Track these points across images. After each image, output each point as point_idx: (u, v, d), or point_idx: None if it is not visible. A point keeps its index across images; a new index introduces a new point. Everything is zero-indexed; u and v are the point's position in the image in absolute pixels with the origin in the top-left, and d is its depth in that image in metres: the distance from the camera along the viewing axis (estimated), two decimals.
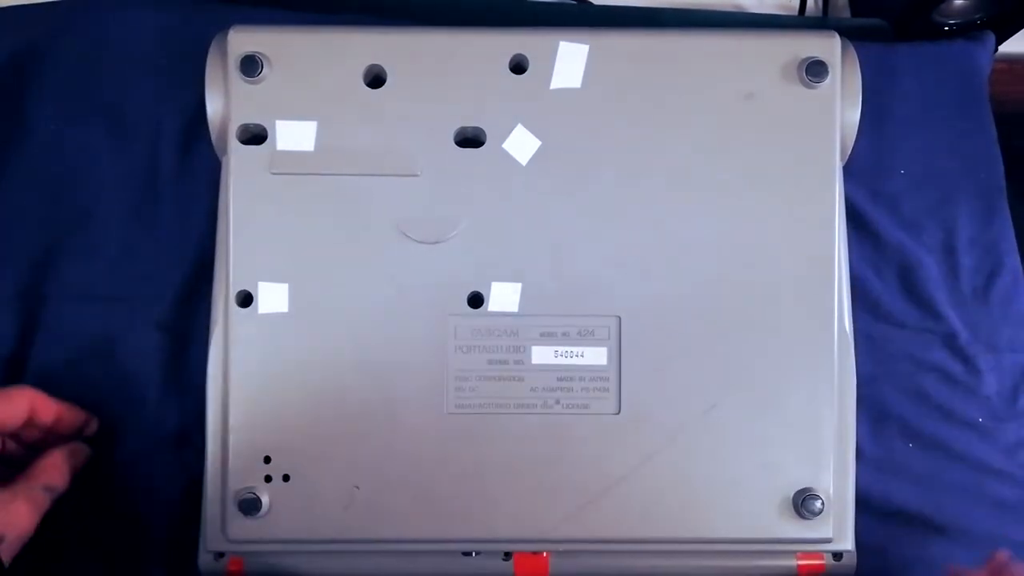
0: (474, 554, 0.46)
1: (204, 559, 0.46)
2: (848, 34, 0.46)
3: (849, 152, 0.47)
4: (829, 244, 0.44)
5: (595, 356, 0.45)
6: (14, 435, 0.44)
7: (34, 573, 0.46)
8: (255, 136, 0.45)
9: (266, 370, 0.44)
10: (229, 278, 0.44)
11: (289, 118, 0.44)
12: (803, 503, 0.43)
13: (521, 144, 0.44)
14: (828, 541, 0.45)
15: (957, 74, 0.56)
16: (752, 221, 0.45)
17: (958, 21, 0.59)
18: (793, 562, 0.47)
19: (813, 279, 0.44)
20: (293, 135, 0.44)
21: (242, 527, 0.44)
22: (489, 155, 0.44)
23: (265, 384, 0.44)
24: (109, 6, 0.54)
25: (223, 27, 0.45)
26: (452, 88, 0.44)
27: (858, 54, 0.46)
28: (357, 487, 0.43)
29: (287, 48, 0.44)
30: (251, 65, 0.43)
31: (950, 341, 0.53)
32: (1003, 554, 0.28)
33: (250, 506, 0.43)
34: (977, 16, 0.58)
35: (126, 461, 0.50)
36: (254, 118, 0.44)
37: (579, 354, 0.45)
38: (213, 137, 0.46)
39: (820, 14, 0.64)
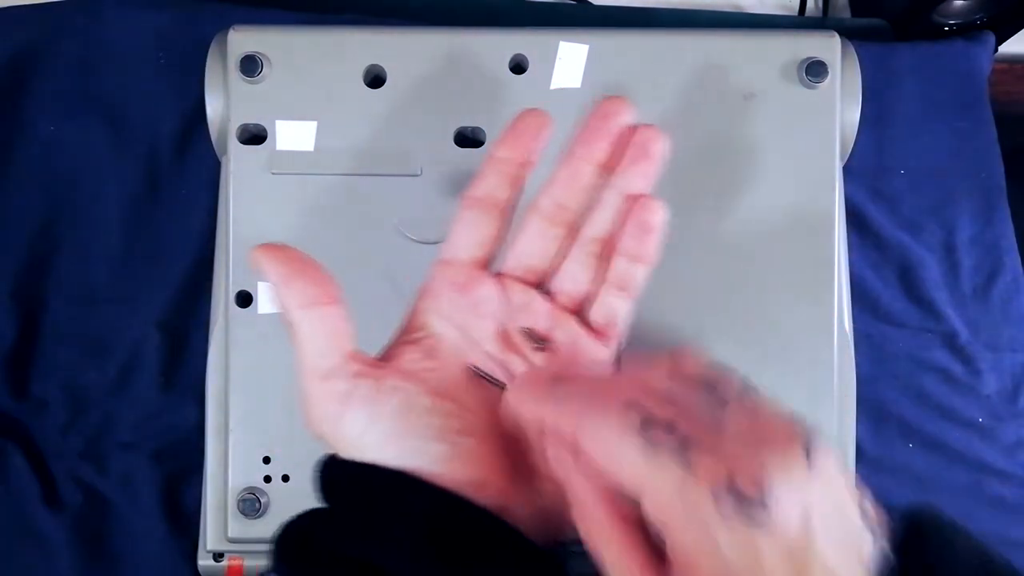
0: None
1: (204, 559, 0.46)
2: (848, 34, 0.46)
3: (849, 152, 0.47)
4: (829, 244, 0.44)
5: None
6: None
7: None
8: (255, 136, 0.45)
9: (266, 370, 0.44)
10: (228, 278, 0.44)
11: (289, 118, 0.44)
12: None
13: None
14: None
15: (957, 74, 0.56)
16: (752, 221, 0.45)
17: (958, 21, 0.59)
18: None
19: (813, 279, 0.44)
20: (293, 135, 0.44)
21: (242, 527, 0.44)
22: None
23: (265, 384, 0.44)
24: (109, 6, 0.54)
25: (223, 27, 0.45)
26: (452, 88, 0.44)
27: (858, 54, 0.46)
28: None
29: (287, 48, 0.44)
30: (251, 65, 0.43)
31: (950, 341, 0.53)
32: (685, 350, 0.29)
33: (250, 506, 0.43)
34: (977, 16, 0.58)
35: (126, 462, 0.50)
36: (254, 118, 0.44)
37: None
38: (213, 137, 0.46)
39: (820, 14, 0.64)
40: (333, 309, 0.28)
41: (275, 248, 0.29)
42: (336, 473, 0.28)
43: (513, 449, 0.29)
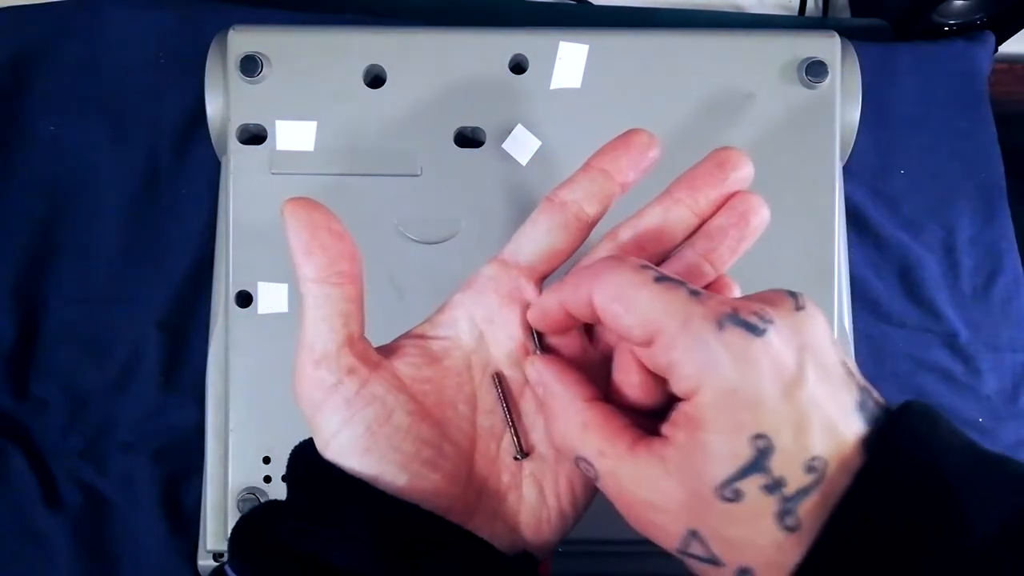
0: None
1: (204, 559, 0.46)
2: (848, 34, 0.46)
3: (849, 152, 0.47)
4: (829, 244, 0.44)
5: None
6: None
7: None
8: (255, 136, 0.45)
9: (266, 370, 0.44)
10: (229, 278, 0.44)
11: (289, 118, 0.44)
12: None
13: (521, 144, 0.44)
14: None
15: (957, 74, 0.56)
16: None
17: (958, 21, 0.59)
18: None
19: (813, 279, 0.44)
20: (293, 135, 0.44)
21: None
22: (489, 155, 0.44)
23: (265, 384, 0.44)
24: (109, 6, 0.54)
25: (223, 27, 0.45)
26: (452, 88, 0.44)
27: (858, 54, 0.46)
28: None
29: (287, 48, 0.44)
30: (251, 65, 0.43)
31: (950, 341, 0.53)
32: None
33: (250, 506, 0.43)
34: (977, 16, 0.58)
35: (126, 462, 0.50)
36: (254, 118, 0.44)
37: None
38: (213, 137, 0.46)
39: (820, 14, 0.64)
40: (345, 291, 0.27)
41: (305, 207, 0.27)
42: (302, 463, 0.28)
43: (481, 489, 0.28)
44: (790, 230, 0.45)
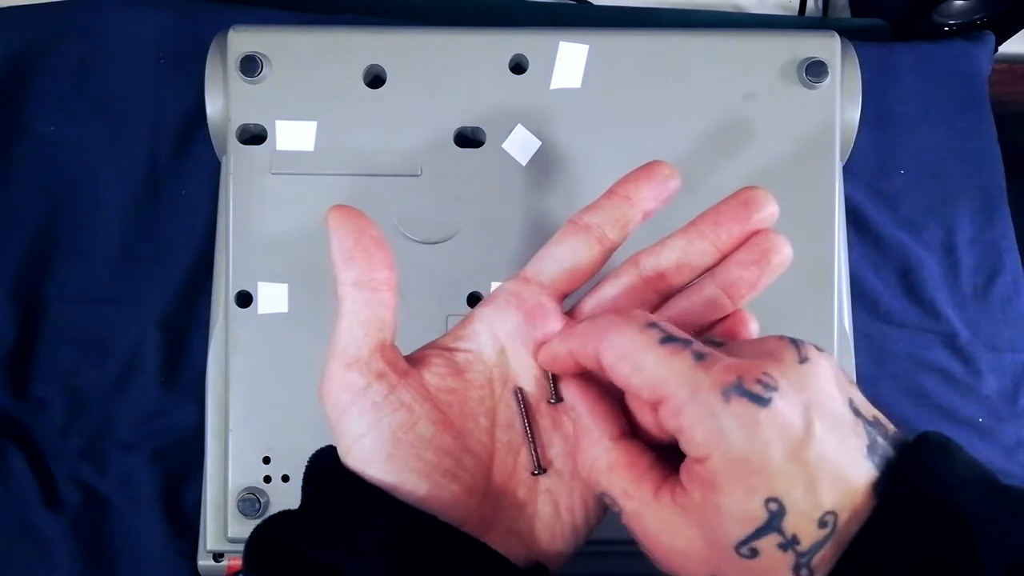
0: None
1: (204, 559, 0.46)
2: (848, 34, 0.46)
3: (849, 152, 0.47)
4: (829, 244, 0.44)
5: None
6: None
7: None
8: (255, 136, 0.45)
9: (266, 370, 0.44)
10: (229, 278, 0.44)
11: (289, 118, 0.44)
12: None
13: (521, 144, 0.44)
14: None
15: (957, 74, 0.56)
16: None
17: (958, 21, 0.59)
18: None
19: (813, 279, 0.44)
20: (293, 135, 0.44)
21: (242, 527, 0.44)
22: (489, 155, 0.44)
23: (265, 384, 0.44)
24: (109, 6, 0.54)
25: (223, 27, 0.45)
26: (452, 88, 0.44)
27: (858, 54, 0.46)
28: None
29: (287, 48, 0.44)
30: (251, 65, 0.43)
31: (950, 341, 0.53)
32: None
33: (250, 506, 0.43)
34: (977, 16, 0.58)
35: (126, 462, 0.50)
36: (254, 118, 0.44)
37: None
38: (213, 137, 0.46)
39: (820, 14, 0.64)
40: (382, 297, 0.28)
41: (349, 214, 0.28)
42: (321, 470, 0.28)
43: (497, 502, 0.29)
44: (790, 230, 0.44)
